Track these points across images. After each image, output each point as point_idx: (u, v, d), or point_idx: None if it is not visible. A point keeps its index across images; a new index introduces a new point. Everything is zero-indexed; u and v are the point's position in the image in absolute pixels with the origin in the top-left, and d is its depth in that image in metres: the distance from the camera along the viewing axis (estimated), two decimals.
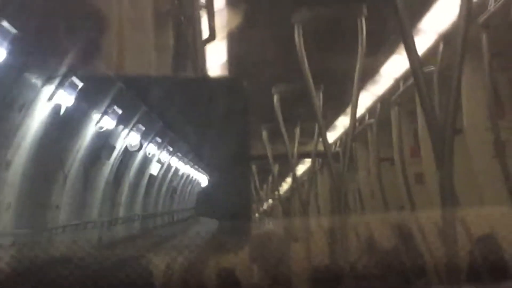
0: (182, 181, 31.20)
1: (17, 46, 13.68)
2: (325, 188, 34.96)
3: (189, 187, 32.20)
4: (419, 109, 20.12)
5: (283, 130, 28.58)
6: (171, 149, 27.49)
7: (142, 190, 26.64)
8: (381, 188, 26.69)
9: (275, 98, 27.12)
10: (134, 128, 22.96)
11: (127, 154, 23.74)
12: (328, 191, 33.02)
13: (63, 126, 17.97)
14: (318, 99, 24.17)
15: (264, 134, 31.20)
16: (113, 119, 20.47)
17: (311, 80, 22.28)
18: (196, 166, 30.31)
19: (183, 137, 26.42)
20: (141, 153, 25.04)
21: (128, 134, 22.73)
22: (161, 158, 27.25)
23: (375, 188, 27.45)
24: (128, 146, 23.25)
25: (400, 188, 24.13)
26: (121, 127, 21.75)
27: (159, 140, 25.61)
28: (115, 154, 22.90)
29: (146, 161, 26.35)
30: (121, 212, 24.12)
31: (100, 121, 20.09)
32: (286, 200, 39.54)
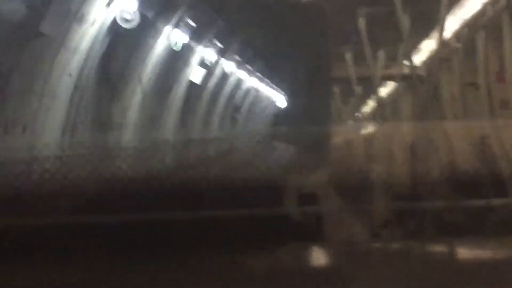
0: (255, 101, 31.14)
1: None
2: (408, 112, 34.74)
3: (262, 109, 32.01)
4: (505, 34, 19.84)
5: (368, 51, 28.41)
6: (249, 68, 27.50)
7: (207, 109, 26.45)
8: (465, 113, 26.44)
9: (360, 20, 26.90)
10: (210, 44, 22.96)
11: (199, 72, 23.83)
12: (412, 115, 32.83)
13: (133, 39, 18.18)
14: (405, 22, 23.94)
15: (348, 55, 31.04)
16: (186, 33, 20.43)
17: (398, 2, 22.07)
18: (274, 86, 30.18)
19: (262, 56, 26.46)
20: (217, 71, 25.16)
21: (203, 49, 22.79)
22: (238, 77, 27.24)
23: (459, 112, 27.21)
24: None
25: (485, 114, 23.89)
26: (195, 42, 21.78)
27: (237, 58, 25.66)
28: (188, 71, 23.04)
29: (221, 78, 26.38)
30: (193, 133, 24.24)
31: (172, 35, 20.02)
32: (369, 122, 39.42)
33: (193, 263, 5.44)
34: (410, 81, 28.54)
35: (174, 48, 19.94)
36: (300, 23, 21.45)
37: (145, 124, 20.12)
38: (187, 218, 6.53)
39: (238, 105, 26.22)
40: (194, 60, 22.59)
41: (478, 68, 24.37)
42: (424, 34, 27.56)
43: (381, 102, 34.60)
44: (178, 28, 19.87)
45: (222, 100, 27.38)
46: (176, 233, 6.37)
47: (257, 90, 30.29)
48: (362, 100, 37.91)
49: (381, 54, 30.62)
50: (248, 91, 29.99)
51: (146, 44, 19.08)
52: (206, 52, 22.81)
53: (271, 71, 28.63)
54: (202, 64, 23.31)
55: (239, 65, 26.21)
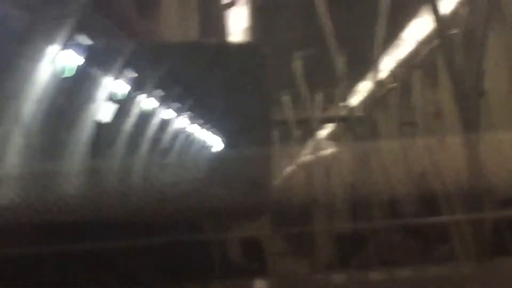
0: (192, 146, 31.06)
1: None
2: (347, 153, 34.95)
3: (200, 154, 31.89)
4: (441, 73, 20.13)
5: (305, 95, 28.59)
6: (189, 113, 27.43)
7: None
8: (403, 152, 26.68)
9: (297, 63, 27.11)
10: (151, 92, 22.97)
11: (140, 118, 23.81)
12: (351, 156, 33.03)
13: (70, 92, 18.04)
14: (341, 64, 24.15)
15: (286, 99, 31.20)
16: (127, 83, 20.45)
17: (333, 45, 22.27)
18: (212, 131, 30.09)
19: (201, 102, 26.44)
20: (155, 117, 25.12)
21: (144, 98, 22.81)
22: (177, 124, 27.20)
23: (398, 151, 27.44)
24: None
25: (423, 152, 24.13)
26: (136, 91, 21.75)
27: (177, 105, 25.59)
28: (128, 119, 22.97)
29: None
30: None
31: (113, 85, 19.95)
32: (308, 165, 39.54)
33: None
34: (348, 123, 28.78)
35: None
36: (239, 65, 21.48)
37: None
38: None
39: (166, 151, 26.02)
40: (133, 106, 22.51)
41: (415, 107, 24.70)
42: (360, 75, 27.87)
43: (320, 145, 34.80)
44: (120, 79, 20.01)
45: (156, 145, 27.32)
46: (108, 264, 6.27)
47: (195, 136, 30.12)
48: (301, 143, 38.08)
49: (319, 96, 30.85)
50: (186, 136, 29.84)
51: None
52: (143, 99, 22.86)
53: (209, 115, 28.59)
54: (139, 110, 23.33)
55: (178, 111, 26.16)
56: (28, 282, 6.30)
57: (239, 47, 23.45)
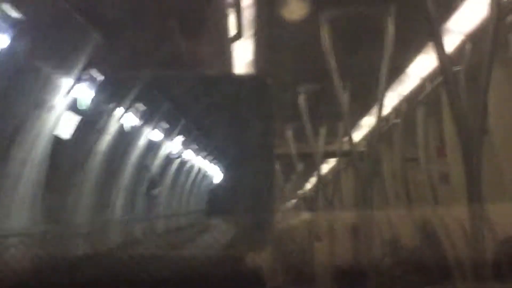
0: (198, 179, 31.24)
1: (32, 38, 13.92)
2: (349, 188, 34.91)
3: (205, 186, 31.95)
4: (445, 109, 20.09)
5: (308, 129, 28.55)
6: (194, 146, 27.51)
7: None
8: (406, 188, 26.63)
9: (301, 97, 27.10)
10: (158, 125, 23.32)
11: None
12: (353, 191, 32.98)
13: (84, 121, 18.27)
14: (344, 98, 24.12)
15: (289, 133, 31.20)
16: (136, 116, 20.99)
17: (337, 79, 22.25)
18: (216, 163, 30.10)
19: (206, 133, 26.53)
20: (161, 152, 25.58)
21: (151, 130, 23.25)
22: (184, 157, 27.44)
23: (400, 188, 27.39)
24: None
25: (426, 189, 24.07)
26: (144, 123, 22.24)
27: (182, 137, 25.85)
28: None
29: (170, 161, 26.70)
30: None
31: (123, 117, 20.49)
32: (310, 199, 39.51)
33: None
34: (351, 157, 28.70)
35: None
36: (245, 97, 21.50)
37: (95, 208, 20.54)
38: None
39: (155, 182, 26.68)
40: (141, 141, 23.17)
41: (418, 143, 24.66)
42: (364, 110, 27.85)
43: (323, 179, 34.72)
44: (129, 112, 20.72)
45: (166, 178, 27.35)
46: None
47: (200, 168, 30.14)
48: (304, 177, 38.05)
49: (322, 130, 30.83)
50: (192, 169, 29.90)
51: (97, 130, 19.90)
52: (153, 133, 23.42)
53: (213, 146, 28.73)
54: (148, 143, 23.76)
55: (184, 144, 26.47)
56: None
57: (245, 79, 23.48)
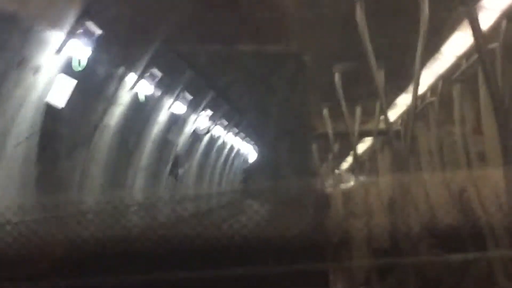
0: (233, 158, 30.85)
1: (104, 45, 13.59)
2: (386, 168, 34.83)
3: (240, 165, 31.56)
4: (481, 87, 20.00)
5: (344, 108, 28.51)
6: (227, 123, 27.35)
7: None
8: (443, 167, 26.54)
9: (337, 76, 27.04)
10: (181, 96, 23.06)
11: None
12: (389, 170, 32.90)
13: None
14: (380, 77, 24.05)
15: (325, 112, 31.15)
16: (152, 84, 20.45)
17: (373, 58, 22.18)
18: (251, 142, 29.88)
19: (239, 109, 26.33)
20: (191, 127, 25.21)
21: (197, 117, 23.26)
22: (224, 138, 27.20)
23: (437, 167, 27.30)
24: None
25: (462, 167, 23.98)
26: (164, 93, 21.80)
27: (225, 121, 25.71)
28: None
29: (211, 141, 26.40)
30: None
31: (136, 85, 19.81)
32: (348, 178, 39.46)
33: None
34: (387, 136, 28.63)
35: (140, 100, 19.38)
36: (280, 75, 21.51)
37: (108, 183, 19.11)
38: (165, 278, 6.43)
39: (180, 160, 25.16)
40: (161, 114, 22.35)
41: (454, 121, 24.55)
42: (399, 88, 27.75)
43: (359, 158, 34.70)
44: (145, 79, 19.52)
45: (197, 158, 27.25)
46: None
47: (234, 147, 30.10)
48: (341, 156, 38.01)
49: (358, 110, 30.78)
50: (225, 147, 29.81)
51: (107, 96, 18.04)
52: (179, 107, 22.81)
53: (249, 126, 28.55)
54: (176, 119, 23.27)
55: (215, 120, 26.22)
56: None
57: (281, 55, 23.48)
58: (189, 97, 23.13)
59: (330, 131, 31.88)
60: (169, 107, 22.37)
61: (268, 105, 23.86)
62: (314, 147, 36.12)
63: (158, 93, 20.87)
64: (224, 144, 29.10)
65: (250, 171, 30.03)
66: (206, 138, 26.70)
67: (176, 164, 24.60)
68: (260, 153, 29.34)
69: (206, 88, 24.18)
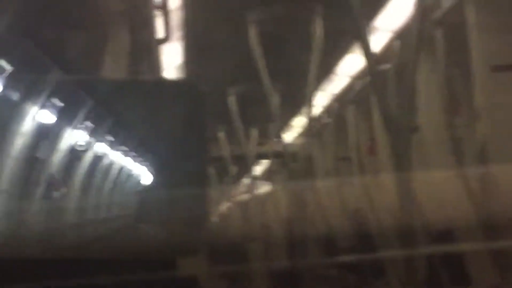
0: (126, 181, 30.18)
1: None
2: (283, 188, 34.94)
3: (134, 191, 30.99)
4: (374, 108, 20.21)
5: (240, 131, 28.48)
6: (124, 149, 26.74)
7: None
8: (338, 187, 26.73)
9: (231, 99, 27.01)
10: (80, 125, 22.14)
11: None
12: (286, 192, 33.00)
13: None
14: (275, 99, 24.11)
15: (221, 135, 31.08)
16: (53, 113, 19.37)
17: (267, 81, 22.23)
18: (147, 168, 29.41)
19: (134, 137, 25.87)
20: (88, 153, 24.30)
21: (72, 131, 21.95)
22: (107, 157, 26.31)
23: (332, 187, 27.49)
24: (75, 145, 21.75)
25: (358, 187, 24.20)
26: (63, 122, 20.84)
27: (107, 139, 24.85)
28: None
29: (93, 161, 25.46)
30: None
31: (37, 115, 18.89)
32: (244, 201, 39.44)
33: None
34: (283, 158, 28.72)
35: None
36: (175, 101, 21.26)
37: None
38: None
39: (55, 181, 23.02)
40: (64, 143, 21.72)
41: (349, 142, 24.77)
42: (295, 110, 27.90)
43: (255, 180, 34.72)
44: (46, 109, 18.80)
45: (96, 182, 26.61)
46: None
47: (129, 172, 29.60)
48: (237, 179, 37.96)
49: (254, 132, 30.81)
50: (120, 173, 29.30)
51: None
52: (76, 134, 22.05)
53: (145, 152, 28.06)
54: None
55: (112, 146, 25.53)
56: None
57: (175, 83, 23.28)
58: (59, 104, 21.65)
59: (226, 154, 31.82)
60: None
61: (163, 129, 23.53)
62: (210, 170, 36.00)
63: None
64: (111, 164, 27.74)
65: (143, 196, 29.32)
66: (89, 157, 25.13)
67: (51, 186, 22.26)
68: (155, 176, 28.71)
69: (108, 120, 23.49)
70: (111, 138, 23.82)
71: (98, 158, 25.38)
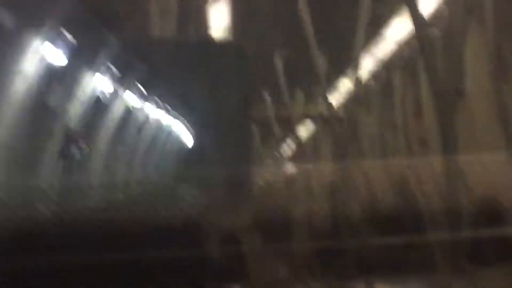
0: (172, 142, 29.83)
1: None
2: (327, 152, 34.94)
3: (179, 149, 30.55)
4: (422, 73, 20.08)
5: (286, 93, 28.51)
6: (169, 108, 26.55)
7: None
8: (384, 152, 26.67)
9: (278, 61, 27.01)
10: (133, 88, 21.95)
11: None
12: (331, 155, 33.01)
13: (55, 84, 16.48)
14: (321, 63, 24.09)
15: (267, 96, 31.13)
16: (108, 78, 19.04)
17: (314, 44, 22.21)
18: (193, 126, 29.19)
19: (183, 98, 25.70)
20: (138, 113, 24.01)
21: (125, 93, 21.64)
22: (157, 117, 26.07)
23: (378, 152, 27.44)
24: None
25: (403, 152, 24.11)
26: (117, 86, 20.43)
27: (158, 100, 24.70)
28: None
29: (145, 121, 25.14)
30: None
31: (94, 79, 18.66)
32: (287, 165, 39.53)
33: None
34: (328, 121, 28.70)
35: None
36: (221, 62, 21.29)
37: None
38: (106, 261, 6.37)
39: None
40: (117, 103, 21.48)
41: (395, 108, 24.65)
42: (341, 74, 27.81)
43: (300, 143, 34.76)
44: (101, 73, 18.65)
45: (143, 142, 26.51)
46: (92, 276, 6.23)
47: (174, 131, 29.62)
48: (281, 141, 38.04)
49: (300, 94, 30.79)
50: (166, 132, 29.33)
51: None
52: (127, 95, 21.92)
53: (191, 111, 27.99)
54: (125, 107, 22.23)
55: (159, 106, 25.43)
56: None
57: (221, 44, 23.33)
58: (143, 90, 21.58)
59: (271, 115, 31.88)
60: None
61: (207, 90, 23.53)
62: (255, 131, 36.14)
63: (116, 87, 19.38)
64: (147, 119, 25.30)
65: (186, 155, 28.95)
66: (119, 110, 22.12)
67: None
68: (197, 137, 28.40)
69: (156, 81, 22.84)
70: (148, 91, 23.01)
71: (131, 111, 23.00)
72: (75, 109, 18.72)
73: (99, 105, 20.03)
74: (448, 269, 11.07)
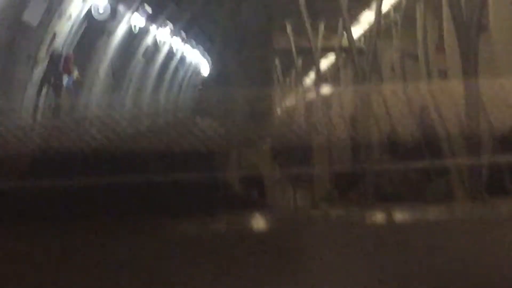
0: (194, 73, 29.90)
1: None
2: (347, 82, 34.94)
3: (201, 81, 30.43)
4: (444, 5, 19.95)
5: (307, 23, 28.38)
6: (193, 40, 26.66)
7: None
8: (404, 81, 26.66)
9: None
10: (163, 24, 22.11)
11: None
12: (352, 86, 33.00)
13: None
14: None
15: (288, 27, 31.04)
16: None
17: None
18: (209, 57, 29.06)
19: (197, 22, 25.57)
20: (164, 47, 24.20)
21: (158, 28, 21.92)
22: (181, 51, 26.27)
23: (398, 81, 27.41)
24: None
25: (423, 81, 24.07)
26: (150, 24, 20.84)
27: (183, 34, 24.81)
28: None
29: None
30: None
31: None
32: (308, 96, 39.53)
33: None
34: (350, 53, 28.62)
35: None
36: None
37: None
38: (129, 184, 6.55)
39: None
40: (148, 40, 21.83)
41: (417, 39, 24.54)
42: (363, 5, 27.67)
43: (321, 74, 34.72)
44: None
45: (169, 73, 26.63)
46: (118, 199, 6.37)
47: (197, 62, 29.74)
48: (303, 72, 38.01)
49: (321, 25, 30.70)
50: (188, 63, 29.48)
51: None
52: (158, 32, 22.19)
53: (212, 42, 28.03)
54: (154, 43, 22.47)
55: (184, 39, 25.48)
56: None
57: None
58: (165, 18, 22.26)
59: (292, 46, 31.82)
60: None
61: (227, 18, 23.48)
62: (276, 61, 36.12)
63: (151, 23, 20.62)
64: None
65: (204, 85, 28.73)
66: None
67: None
68: (215, 66, 28.28)
69: (181, 12, 23.12)
70: (182, 30, 23.28)
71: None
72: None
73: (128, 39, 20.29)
74: (467, 197, 11.20)
